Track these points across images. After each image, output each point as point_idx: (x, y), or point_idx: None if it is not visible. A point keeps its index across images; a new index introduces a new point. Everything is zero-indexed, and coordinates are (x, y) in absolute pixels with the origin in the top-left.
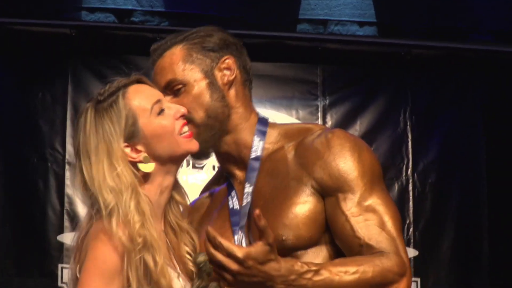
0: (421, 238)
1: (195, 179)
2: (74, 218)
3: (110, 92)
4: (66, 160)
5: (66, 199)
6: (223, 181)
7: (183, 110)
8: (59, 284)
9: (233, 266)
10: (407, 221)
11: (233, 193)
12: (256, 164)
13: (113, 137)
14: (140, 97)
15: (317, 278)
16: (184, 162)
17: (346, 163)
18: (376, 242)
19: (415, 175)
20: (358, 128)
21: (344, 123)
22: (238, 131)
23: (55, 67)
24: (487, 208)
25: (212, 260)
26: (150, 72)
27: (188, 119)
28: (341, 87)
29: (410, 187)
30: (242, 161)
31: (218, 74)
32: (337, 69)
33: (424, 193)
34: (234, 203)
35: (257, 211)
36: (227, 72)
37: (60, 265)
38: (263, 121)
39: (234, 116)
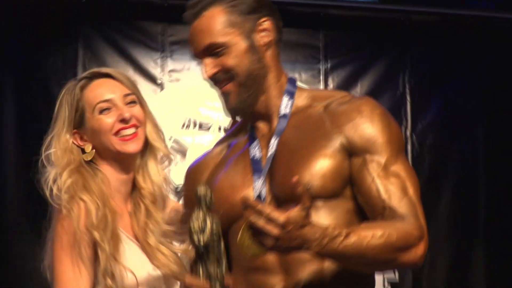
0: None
1: (201, 140)
2: None
3: (80, 78)
4: None
5: None
6: (243, 134)
7: (127, 114)
8: None
9: (274, 230)
10: None
11: (255, 143)
12: (284, 121)
13: (63, 119)
14: (94, 93)
15: (347, 241)
16: (191, 123)
17: (376, 127)
18: (398, 206)
19: (414, 136)
20: (358, 90)
21: (345, 86)
22: (271, 90)
23: (66, 32)
24: (483, 170)
25: (253, 226)
26: (158, 37)
27: (229, 78)
28: (343, 52)
29: (409, 148)
30: (270, 118)
31: (256, 36)
32: (338, 35)
33: (422, 154)
34: (255, 152)
35: (294, 178)
36: (265, 34)
37: None
38: (292, 82)
39: (269, 76)
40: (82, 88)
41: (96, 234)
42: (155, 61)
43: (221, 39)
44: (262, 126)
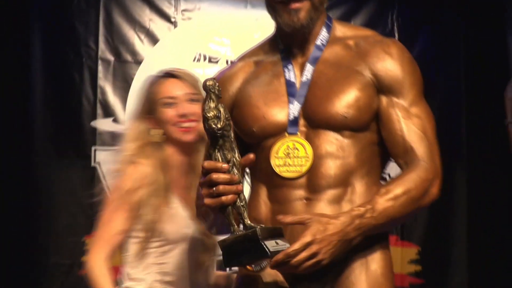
0: None
1: (211, 72)
2: (105, 106)
3: (157, 75)
4: (98, 56)
5: (98, 90)
6: (272, 54)
7: (186, 111)
8: (92, 164)
9: (305, 254)
10: None
11: (290, 66)
12: (320, 51)
13: (139, 106)
14: (163, 89)
15: (376, 213)
16: (201, 57)
17: (404, 69)
18: (417, 147)
19: None
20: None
21: None
22: (320, 20)
23: None
24: (465, 99)
25: (298, 265)
26: None
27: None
28: None
29: None
30: (307, 45)
31: None
32: None
33: None
34: (291, 75)
35: (288, 219)
36: None
37: (93, 147)
38: (329, 17)
39: (325, 5)
40: (156, 84)
41: (144, 192)
42: (169, 1)
43: None
44: (297, 51)
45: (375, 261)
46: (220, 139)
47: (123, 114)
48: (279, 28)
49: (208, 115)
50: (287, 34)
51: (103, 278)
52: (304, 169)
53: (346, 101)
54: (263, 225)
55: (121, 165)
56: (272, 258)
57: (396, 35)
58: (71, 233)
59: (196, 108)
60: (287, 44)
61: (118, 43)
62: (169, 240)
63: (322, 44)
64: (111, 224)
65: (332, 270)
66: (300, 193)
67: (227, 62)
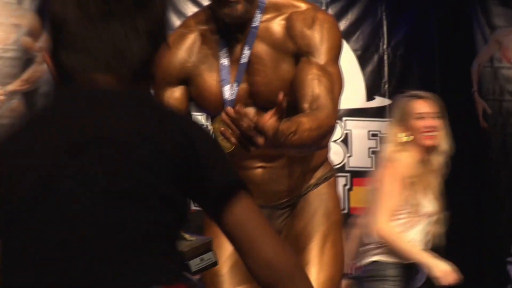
0: (393, 90)
1: None
2: None
3: (409, 95)
4: None
5: None
6: (212, 33)
7: (432, 124)
8: None
9: (260, 140)
10: (384, 80)
11: (225, 51)
12: (255, 32)
13: (396, 118)
14: (417, 106)
15: (295, 137)
16: None
17: (323, 36)
18: (325, 97)
19: (389, 49)
20: (349, 17)
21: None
22: (254, 4)
23: None
24: (439, 71)
25: (239, 129)
26: None
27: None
28: None
29: (385, 57)
30: (244, 29)
31: None
32: None
33: (395, 61)
34: (225, 60)
35: (280, 95)
36: None
37: None
38: None
39: None
40: (411, 102)
41: (411, 180)
42: None
43: None
44: (237, 36)
45: (325, 186)
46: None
47: None
48: (218, 15)
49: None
50: (224, 20)
51: (400, 239)
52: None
53: (282, 82)
54: (192, 242)
55: (385, 159)
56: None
57: (385, 22)
58: None
59: (437, 122)
60: (228, 29)
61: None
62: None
63: (256, 26)
64: (390, 199)
65: (290, 199)
66: (255, 162)
67: None
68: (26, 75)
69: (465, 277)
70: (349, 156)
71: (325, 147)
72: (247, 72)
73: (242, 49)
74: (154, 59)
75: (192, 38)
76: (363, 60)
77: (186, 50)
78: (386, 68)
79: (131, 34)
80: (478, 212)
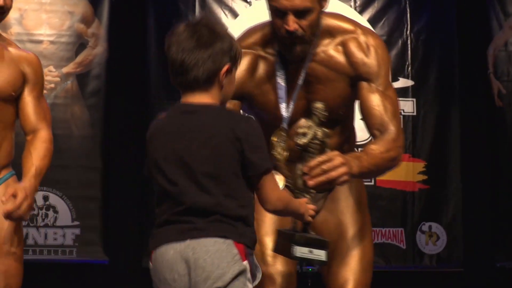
0: (415, 72)
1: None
2: None
3: None
4: None
5: None
6: (269, 55)
7: None
8: None
9: (335, 162)
10: (407, 63)
11: (282, 72)
12: (311, 57)
13: None
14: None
15: (368, 161)
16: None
17: (379, 62)
18: (391, 121)
19: (412, 34)
20: (376, 6)
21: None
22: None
23: None
24: (458, 54)
25: (328, 170)
26: None
27: (301, 35)
28: None
29: (409, 42)
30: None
31: (322, 2)
32: None
33: (417, 46)
34: (281, 80)
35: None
36: (327, 0)
37: None
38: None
39: None
40: None
41: None
42: None
43: (310, 4)
44: (292, 58)
45: (353, 187)
46: (303, 152)
47: None
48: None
49: (299, 130)
50: (283, 47)
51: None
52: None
53: (341, 100)
54: (312, 233)
55: None
56: (297, 262)
57: (408, 9)
58: None
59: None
60: (288, 53)
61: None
62: None
63: (313, 52)
64: None
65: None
66: None
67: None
68: (79, 58)
69: (482, 245)
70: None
71: (398, 166)
72: (304, 90)
73: (299, 71)
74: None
75: (251, 59)
76: (388, 45)
77: (246, 71)
78: (409, 52)
79: (210, 59)
80: (493, 184)
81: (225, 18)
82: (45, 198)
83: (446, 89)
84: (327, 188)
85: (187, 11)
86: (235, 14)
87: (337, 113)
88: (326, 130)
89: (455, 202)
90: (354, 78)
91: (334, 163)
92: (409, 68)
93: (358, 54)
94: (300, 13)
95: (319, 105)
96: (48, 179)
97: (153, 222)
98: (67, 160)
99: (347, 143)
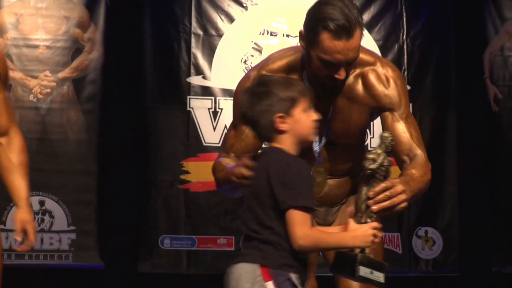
0: (412, 77)
1: (271, 42)
2: (197, 67)
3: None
4: (191, 31)
5: (192, 56)
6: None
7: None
8: (187, 108)
9: (397, 188)
10: (403, 67)
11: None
12: (338, 91)
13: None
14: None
15: (413, 184)
16: (265, 32)
17: (399, 92)
18: (419, 146)
19: (408, 39)
20: (372, 10)
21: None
22: None
23: None
24: (454, 59)
25: (392, 196)
26: None
27: (344, 80)
28: None
29: (405, 47)
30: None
31: None
32: None
33: (413, 50)
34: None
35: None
36: None
37: (188, 96)
38: None
39: None
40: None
41: None
42: None
43: (358, 52)
44: (318, 89)
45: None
46: (371, 178)
47: (209, 73)
48: (311, 72)
49: (368, 156)
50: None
51: None
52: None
53: (358, 130)
54: (372, 256)
55: None
56: (358, 281)
57: (404, 14)
58: (172, 157)
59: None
60: (320, 80)
61: (205, 22)
62: None
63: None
64: None
65: (344, 198)
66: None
67: (283, 35)
68: (75, 63)
69: (478, 249)
70: (371, 138)
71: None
72: (331, 122)
73: (328, 106)
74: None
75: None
76: (384, 49)
77: None
78: (405, 57)
79: (261, 116)
80: (490, 188)
81: (221, 23)
82: (41, 203)
83: (442, 93)
84: (386, 214)
85: (183, 15)
86: (231, 19)
87: (353, 140)
88: (390, 159)
89: (451, 206)
90: (376, 109)
91: (397, 189)
92: (406, 73)
93: (379, 87)
94: (350, 63)
95: (387, 134)
96: (44, 184)
97: (148, 227)
98: (63, 165)
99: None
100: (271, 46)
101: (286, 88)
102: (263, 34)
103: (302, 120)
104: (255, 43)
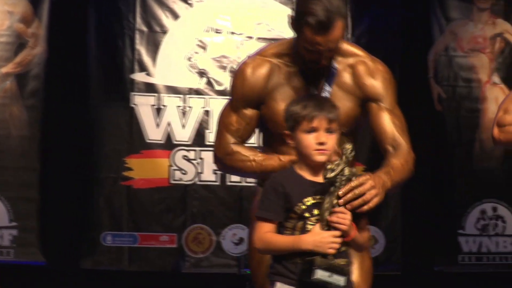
0: None
1: (216, 40)
2: (140, 64)
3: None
4: (136, 28)
5: (136, 52)
6: (287, 66)
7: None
8: (130, 105)
9: (366, 186)
10: None
11: (303, 83)
12: (335, 72)
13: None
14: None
15: (393, 175)
16: (210, 29)
17: (386, 85)
18: (402, 136)
19: (353, 38)
20: None
21: None
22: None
23: None
24: (399, 59)
25: (361, 194)
26: None
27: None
28: None
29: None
30: (324, 69)
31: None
32: None
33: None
34: (303, 91)
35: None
36: None
37: (131, 93)
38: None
39: None
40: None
41: None
42: None
43: (340, 39)
44: (315, 72)
45: (365, 260)
46: (331, 187)
47: (153, 69)
48: (299, 55)
49: (327, 166)
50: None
51: None
52: None
53: (348, 122)
54: (333, 261)
55: None
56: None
57: (349, 13)
58: (115, 154)
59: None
60: (305, 63)
61: (150, 18)
62: None
63: (335, 68)
64: None
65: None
66: None
67: (226, 32)
68: (18, 58)
69: (420, 248)
70: None
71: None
72: None
73: (322, 85)
74: None
75: (269, 67)
76: None
77: (264, 77)
78: None
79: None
80: (433, 188)
81: (166, 19)
82: None
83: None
84: (365, 211)
85: (127, 12)
86: (176, 16)
87: (344, 129)
88: (353, 169)
89: (394, 205)
90: (363, 99)
91: (365, 187)
92: None
93: (367, 77)
94: (333, 50)
95: (348, 146)
96: None
97: (90, 224)
98: (5, 161)
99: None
100: (216, 44)
101: (297, 106)
102: (207, 31)
103: (299, 141)
104: (200, 40)
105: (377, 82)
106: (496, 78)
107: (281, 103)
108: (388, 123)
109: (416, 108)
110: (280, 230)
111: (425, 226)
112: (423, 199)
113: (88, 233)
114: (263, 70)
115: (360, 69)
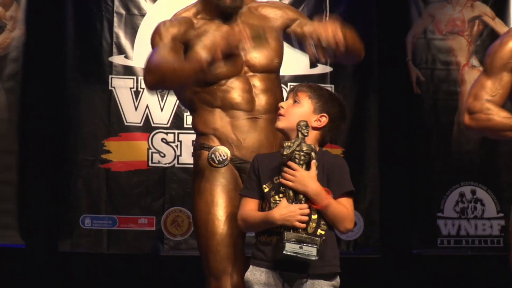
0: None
1: None
2: (119, 47)
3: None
4: (114, 10)
5: (114, 35)
6: (204, 20)
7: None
8: (109, 88)
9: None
10: None
11: (221, 28)
12: (242, 12)
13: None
14: None
15: (349, 35)
16: None
17: (290, 7)
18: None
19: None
20: None
21: None
22: None
23: None
24: (377, 41)
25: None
26: None
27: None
28: None
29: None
30: (233, 15)
31: None
32: None
33: None
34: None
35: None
36: None
37: (110, 76)
38: None
39: None
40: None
41: None
42: None
43: None
44: (225, 20)
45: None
46: (286, 163)
47: (131, 52)
48: (213, 5)
49: (284, 144)
50: (220, 8)
51: None
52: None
53: (272, 58)
54: (304, 235)
55: None
56: (289, 259)
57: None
58: (94, 137)
59: None
60: (216, 13)
61: (128, 1)
62: None
63: (241, 13)
64: None
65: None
66: (248, 114)
67: None
68: None
69: (399, 231)
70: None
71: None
72: None
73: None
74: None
75: (191, 18)
76: None
77: (189, 21)
78: None
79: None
80: (411, 171)
81: (144, 2)
82: None
83: (364, 76)
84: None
85: None
86: None
87: (272, 65)
88: (311, 145)
89: (372, 188)
90: (282, 26)
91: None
92: None
93: (278, 5)
94: None
95: (302, 122)
96: None
97: (69, 207)
98: None
99: (281, 98)
100: None
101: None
102: None
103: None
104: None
105: (286, 7)
106: (474, 61)
107: (204, 50)
108: (312, 24)
109: (394, 91)
110: (272, 207)
111: (404, 209)
112: (402, 182)
113: (67, 216)
114: (187, 16)
115: (267, 6)
